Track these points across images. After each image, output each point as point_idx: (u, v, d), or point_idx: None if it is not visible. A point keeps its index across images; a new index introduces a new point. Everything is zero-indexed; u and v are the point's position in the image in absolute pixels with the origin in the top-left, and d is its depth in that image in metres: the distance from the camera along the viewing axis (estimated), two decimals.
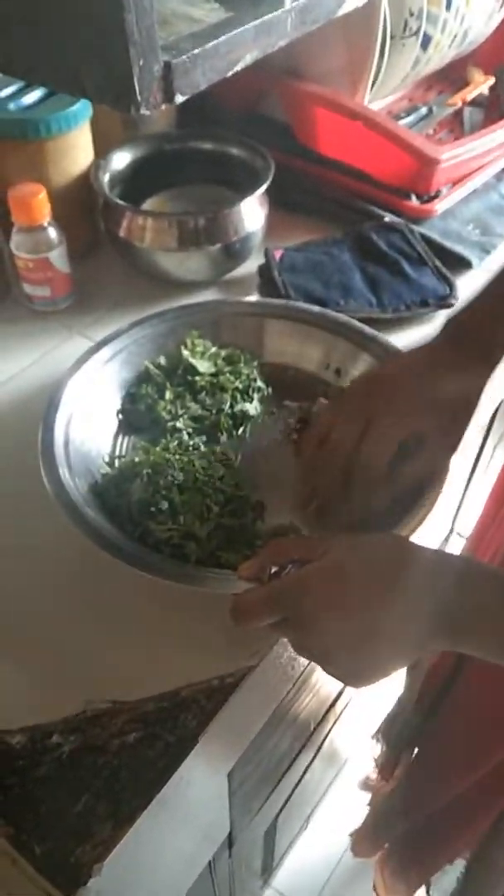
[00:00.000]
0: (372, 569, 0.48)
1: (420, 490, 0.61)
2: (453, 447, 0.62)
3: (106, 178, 0.87)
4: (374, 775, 1.05)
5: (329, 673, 0.50)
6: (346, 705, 1.06)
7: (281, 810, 1.02)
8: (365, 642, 0.47)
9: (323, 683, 0.88)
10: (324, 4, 0.56)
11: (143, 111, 0.45)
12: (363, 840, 1.08)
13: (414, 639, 0.47)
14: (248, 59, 0.51)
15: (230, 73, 0.50)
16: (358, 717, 1.13)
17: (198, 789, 0.60)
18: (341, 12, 0.58)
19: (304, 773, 1.04)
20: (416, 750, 0.94)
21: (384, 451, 0.59)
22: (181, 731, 0.53)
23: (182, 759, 0.52)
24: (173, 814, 0.57)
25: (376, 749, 1.03)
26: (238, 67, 0.50)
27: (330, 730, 1.05)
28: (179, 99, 0.47)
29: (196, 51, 0.47)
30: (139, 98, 0.44)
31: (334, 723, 1.05)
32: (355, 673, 0.49)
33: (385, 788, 1.01)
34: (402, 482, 0.61)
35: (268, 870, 1.22)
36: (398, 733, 0.95)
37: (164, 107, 0.46)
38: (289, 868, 1.32)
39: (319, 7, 0.55)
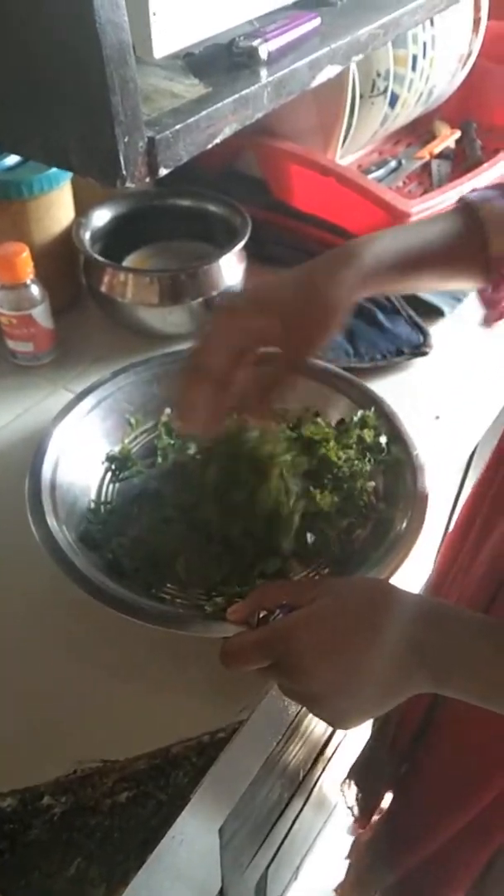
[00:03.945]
0: (356, 614, 0.50)
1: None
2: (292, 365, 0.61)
3: (87, 235, 0.88)
4: (351, 821, 1.04)
5: (317, 716, 0.51)
6: (335, 750, 1.05)
7: (271, 861, 1.01)
8: (350, 686, 0.48)
9: (312, 731, 0.88)
10: (298, 77, 0.58)
11: (129, 185, 0.47)
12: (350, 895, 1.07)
13: (397, 681, 0.49)
14: (227, 131, 0.53)
15: (210, 146, 0.52)
16: (347, 761, 1.13)
17: (189, 846, 0.60)
18: (314, 83, 0.61)
19: (294, 821, 1.03)
20: (391, 794, 0.94)
21: (220, 344, 0.58)
22: (173, 788, 0.53)
23: (174, 818, 0.51)
24: (166, 873, 0.57)
25: (349, 794, 1.03)
26: (218, 139, 0.53)
27: (319, 776, 1.04)
28: (163, 172, 0.49)
29: (178, 126, 0.49)
30: (124, 173, 0.46)
31: (323, 769, 1.04)
32: (342, 716, 0.50)
33: (364, 836, 1.00)
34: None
35: None
36: (373, 778, 0.95)
37: (147, 179, 0.48)
38: None
39: (294, 80, 0.58)
